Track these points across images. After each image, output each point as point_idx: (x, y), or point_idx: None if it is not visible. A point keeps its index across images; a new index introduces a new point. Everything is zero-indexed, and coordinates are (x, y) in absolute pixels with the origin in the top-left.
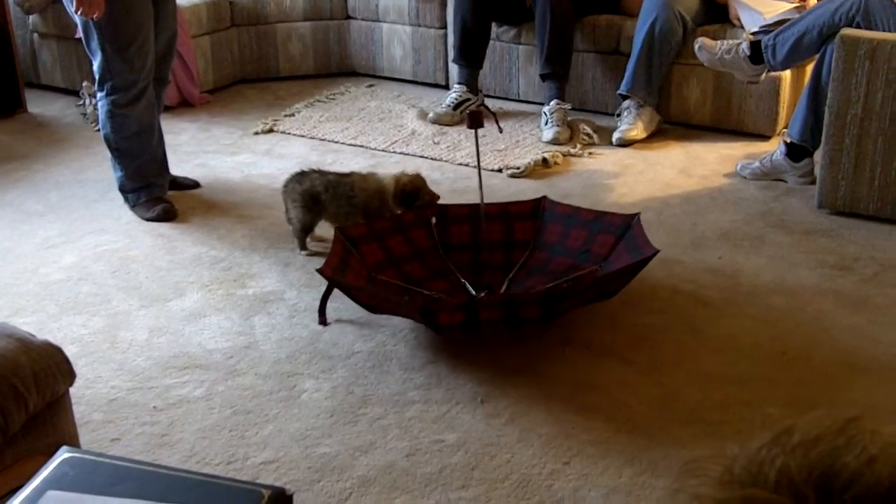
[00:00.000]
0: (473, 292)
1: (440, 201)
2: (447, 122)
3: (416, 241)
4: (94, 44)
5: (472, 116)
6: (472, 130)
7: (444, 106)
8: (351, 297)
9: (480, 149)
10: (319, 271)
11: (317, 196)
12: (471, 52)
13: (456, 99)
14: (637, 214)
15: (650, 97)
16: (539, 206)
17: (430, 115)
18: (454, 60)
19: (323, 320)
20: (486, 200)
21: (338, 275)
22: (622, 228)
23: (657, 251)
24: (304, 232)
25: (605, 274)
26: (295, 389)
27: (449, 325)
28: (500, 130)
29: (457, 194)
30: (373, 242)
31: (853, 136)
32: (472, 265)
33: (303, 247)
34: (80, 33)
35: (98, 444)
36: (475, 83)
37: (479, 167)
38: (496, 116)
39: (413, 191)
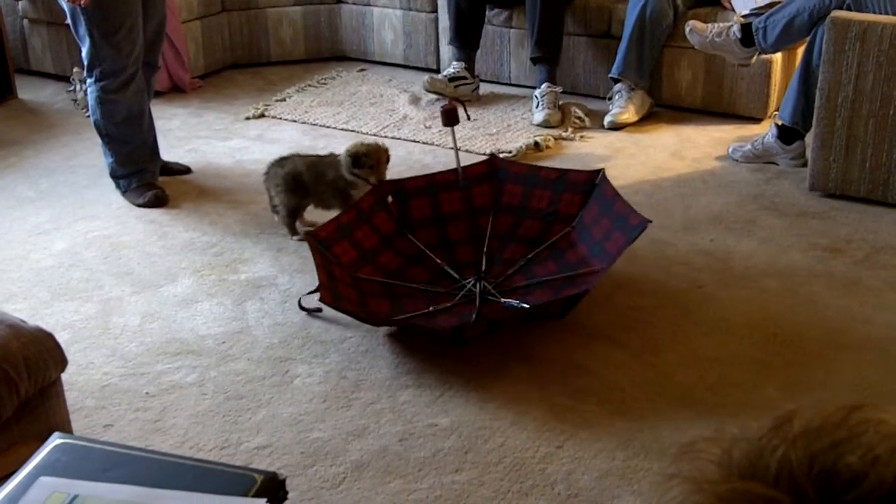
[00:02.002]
0: (457, 276)
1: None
2: (440, 90)
3: (381, 228)
4: (82, 30)
5: (447, 114)
6: (453, 125)
7: (441, 75)
8: (356, 318)
9: (472, 132)
10: (321, 301)
11: (299, 176)
12: (467, 35)
13: (454, 72)
14: (602, 170)
15: (641, 80)
16: (493, 167)
17: (426, 79)
18: (450, 43)
19: (309, 312)
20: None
21: (335, 294)
22: (588, 185)
23: (649, 221)
24: (292, 217)
25: (609, 264)
26: (288, 374)
27: (474, 336)
28: (469, 118)
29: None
30: (343, 241)
31: (844, 119)
32: (441, 242)
33: (293, 232)
34: (68, 19)
35: (91, 430)
36: (472, 64)
37: (457, 157)
38: (464, 105)
39: (355, 155)
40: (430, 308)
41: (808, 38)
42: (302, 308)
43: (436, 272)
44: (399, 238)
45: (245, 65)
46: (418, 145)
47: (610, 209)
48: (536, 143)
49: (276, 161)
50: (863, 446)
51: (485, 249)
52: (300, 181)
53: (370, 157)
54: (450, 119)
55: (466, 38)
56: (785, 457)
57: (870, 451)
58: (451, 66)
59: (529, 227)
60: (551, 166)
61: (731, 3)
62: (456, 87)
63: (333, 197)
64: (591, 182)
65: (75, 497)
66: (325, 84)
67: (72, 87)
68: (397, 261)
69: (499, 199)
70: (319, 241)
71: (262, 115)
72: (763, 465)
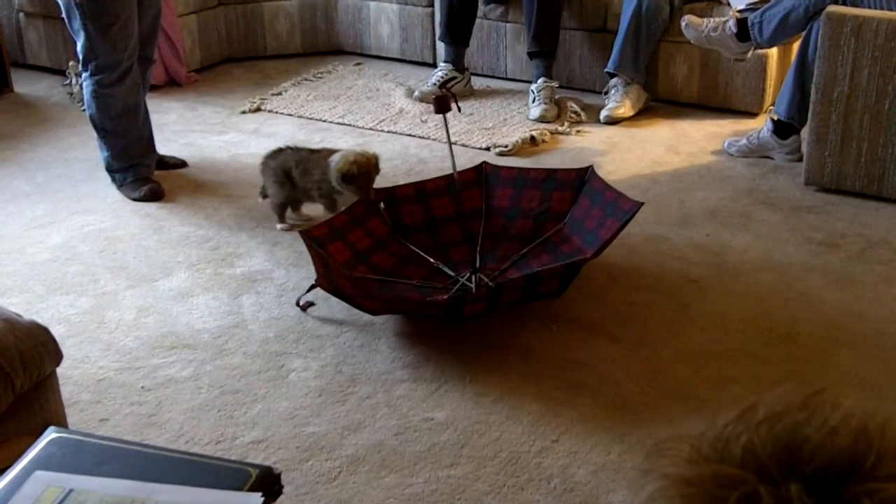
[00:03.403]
0: (452, 273)
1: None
2: (432, 101)
3: (375, 232)
4: (77, 24)
5: (439, 101)
6: (448, 113)
7: (429, 84)
8: (353, 304)
9: (468, 126)
10: (318, 285)
11: (288, 171)
12: (457, 31)
13: (442, 77)
14: (590, 167)
15: (637, 75)
16: (482, 173)
17: (416, 93)
18: (440, 38)
19: (304, 306)
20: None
21: (331, 283)
22: (577, 182)
23: (641, 204)
24: (281, 208)
25: (600, 246)
26: (283, 369)
27: (472, 315)
28: (459, 110)
29: (444, 172)
30: (336, 241)
31: (839, 114)
32: (435, 245)
33: (281, 220)
34: (63, 13)
35: (86, 424)
36: (461, 61)
37: (450, 150)
38: (455, 97)
39: (347, 174)
40: (427, 299)
41: (803, 33)
42: (298, 306)
43: (431, 270)
44: (392, 241)
45: (241, 58)
46: (414, 139)
47: (601, 199)
48: (532, 138)
49: (271, 153)
50: (819, 421)
51: (478, 248)
52: (289, 175)
53: (361, 178)
54: (441, 106)
55: (457, 35)
56: (749, 441)
57: (825, 424)
58: (439, 70)
59: (522, 226)
60: (540, 167)
61: None
62: (448, 88)
63: (319, 196)
64: (581, 179)
65: (70, 491)
66: (321, 78)
67: (68, 81)
68: (391, 261)
69: (490, 203)
70: (313, 240)
71: (258, 109)
72: (729, 451)
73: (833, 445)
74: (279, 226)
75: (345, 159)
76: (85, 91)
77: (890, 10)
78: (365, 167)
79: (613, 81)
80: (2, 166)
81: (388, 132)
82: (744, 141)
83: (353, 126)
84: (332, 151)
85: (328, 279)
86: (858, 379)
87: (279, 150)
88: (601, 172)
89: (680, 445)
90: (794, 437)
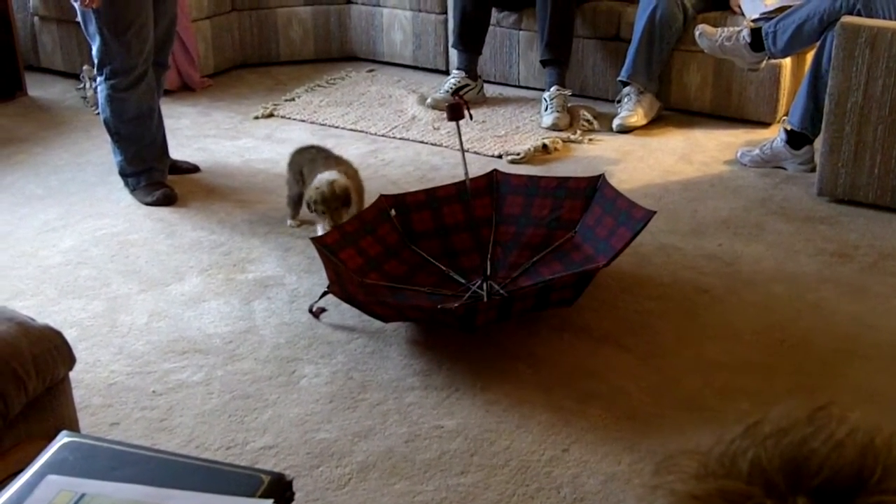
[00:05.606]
0: (463, 281)
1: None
2: (445, 108)
3: (386, 238)
4: (93, 28)
5: (452, 109)
6: (462, 120)
7: (442, 91)
8: (365, 311)
9: (481, 134)
10: (330, 291)
11: (301, 171)
12: (470, 38)
13: (455, 84)
14: (602, 175)
15: (650, 84)
16: (492, 180)
17: (429, 100)
18: (453, 46)
19: (316, 313)
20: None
21: (343, 290)
22: (589, 191)
23: (653, 213)
24: (293, 204)
25: (613, 255)
26: (294, 375)
27: (484, 323)
28: (471, 118)
29: (456, 179)
30: (348, 248)
31: (853, 124)
32: (445, 252)
33: (293, 216)
34: (79, 17)
35: (97, 428)
36: (475, 69)
37: (463, 157)
38: (467, 105)
39: (308, 200)
40: (439, 307)
41: (817, 43)
42: (311, 312)
43: (442, 277)
44: (403, 249)
45: (254, 64)
46: (426, 146)
47: (612, 207)
48: (545, 146)
49: (296, 150)
50: (825, 434)
51: (489, 255)
52: (302, 174)
53: (319, 205)
54: (455, 114)
55: (470, 41)
56: (756, 456)
57: (831, 437)
58: (452, 77)
59: (533, 234)
60: (552, 175)
61: (740, 8)
62: (461, 95)
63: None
64: (592, 187)
65: (82, 496)
66: (334, 84)
67: (81, 85)
68: (402, 268)
69: (500, 210)
70: (325, 247)
71: (270, 115)
72: (736, 467)
73: (839, 459)
74: (289, 221)
75: (313, 188)
76: (99, 95)
77: None
78: (326, 197)
79: (626, 90)
80: (15, 169)
81: (401, 139)
82: (757, 151)
83: (366, 132)
84: (343, 162)
85: (340, 286)
86: (871, 391)
87: (305, 148)
88: (613, 181)
89: (687, 461)
90: (800, 451)
